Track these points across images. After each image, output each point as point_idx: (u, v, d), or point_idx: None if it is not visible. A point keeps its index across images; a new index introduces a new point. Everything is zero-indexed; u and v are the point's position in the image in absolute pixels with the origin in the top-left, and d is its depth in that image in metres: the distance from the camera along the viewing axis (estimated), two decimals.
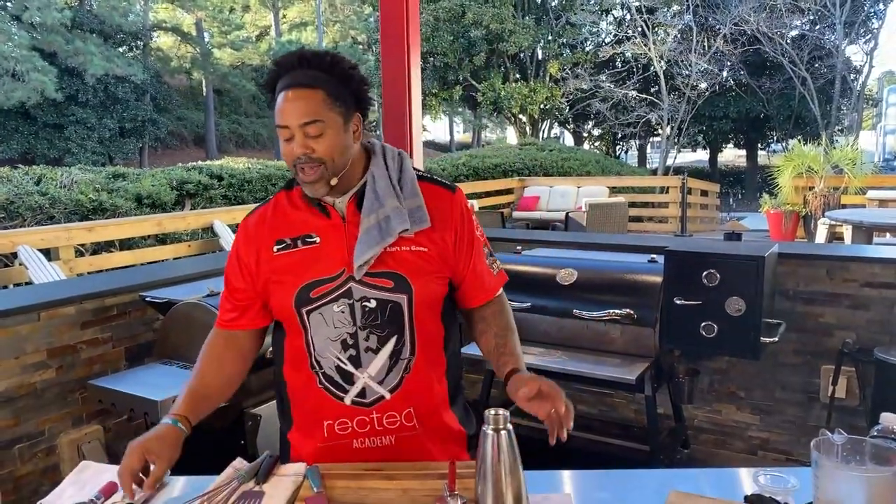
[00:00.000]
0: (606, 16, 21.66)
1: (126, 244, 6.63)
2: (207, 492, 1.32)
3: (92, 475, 1.44)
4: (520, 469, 1.20)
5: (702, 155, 28.56)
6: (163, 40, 28.17)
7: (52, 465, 2.44)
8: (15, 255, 5.26)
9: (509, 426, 1.20)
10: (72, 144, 21.52)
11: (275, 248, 1.43)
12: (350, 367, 1.40)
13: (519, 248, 3.36)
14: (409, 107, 3.62)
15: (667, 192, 12.40)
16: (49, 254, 5.40)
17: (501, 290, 1.58)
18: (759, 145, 24.40)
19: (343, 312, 1.38)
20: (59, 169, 7.58)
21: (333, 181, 1.37)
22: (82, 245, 6.13)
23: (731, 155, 29.66)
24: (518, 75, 20.96)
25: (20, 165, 8.07)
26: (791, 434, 3.11)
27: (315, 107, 1.32)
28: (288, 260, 1.41)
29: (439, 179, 1.53)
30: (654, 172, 18.83)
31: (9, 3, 20.62)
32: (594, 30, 21.53)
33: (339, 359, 1.39)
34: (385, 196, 1.40)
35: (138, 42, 25.47)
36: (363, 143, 1.46)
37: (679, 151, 21.40)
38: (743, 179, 24.47)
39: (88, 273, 5.58)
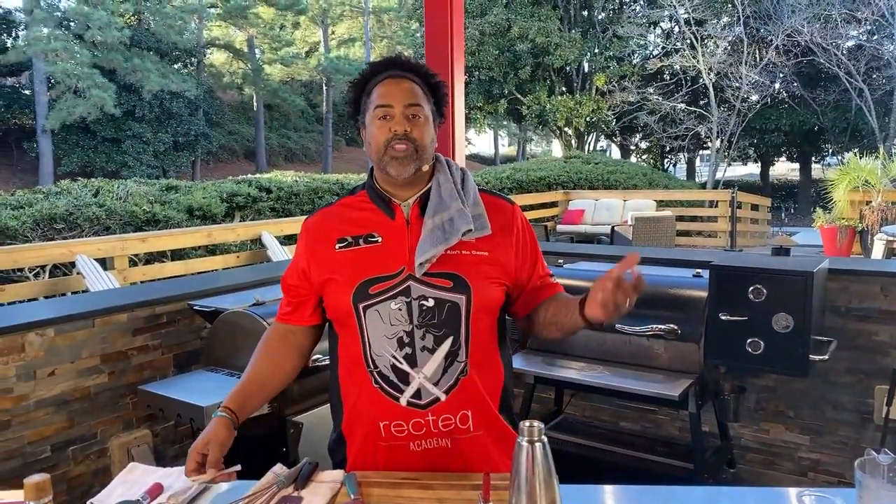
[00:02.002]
0: (654, 28, 21.46)
1: (177, 254, 6.82)
2: (247, 496, 1.35)
3: (140, 476, 1.48)
4: (555, 482, 1.19)
5: (753, 168, 27.98)
6: (216, 57, 29.03)
7: (104, 468, 2.52)
8: (73, 264, 5.47)
9: (544, 438, 1.19)
10: (128, 158, 22.30)
11: (336, 246, 1.46)
12: (406, 367, 1.40)
13: (560, 261, 3.34)
14: (451, 121, 3.65)
15: (716, 206, 12.17)
16: (105, 263, 5.60)
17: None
18: (814, 158, 23.77)
19: (400, 310, 1.40)
20: (116, 181, 7.87)
21: (425, 167, 1.44)
22: (136, 255, 6.33)
23: (784, 168, 28.98)
24: (564, 88, 20.90)
25: (79, 178, 8.40)
26: (843, 455, 3.01)
27: (419, 93, 1.44)
28: (349, 257, 1.45)
29: (498, 193, 1.59)
30: (703, 186, 18.51)
31: (72, 23, 21.52)
32: (642, 42, 21.33)
33: (395, 357, 1.40)
34: (450, 199, 1.44)
35: (192, 59, 26.29)
36: None
37: (729, 165, 21.02)
38: (796, 193, 23.87)
39: (141, 282, 5.77)
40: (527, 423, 1.19)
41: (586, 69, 21.21)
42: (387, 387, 1.42)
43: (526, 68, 19.34)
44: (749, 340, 2.58)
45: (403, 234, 1.44)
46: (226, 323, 2.49)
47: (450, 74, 3.60)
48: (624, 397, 3.13)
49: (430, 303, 1.40)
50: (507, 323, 1.58)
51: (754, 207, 13.43)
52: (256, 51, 28.96)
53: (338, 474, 1.42)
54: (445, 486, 1.38)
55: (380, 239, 1.45)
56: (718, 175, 18.47)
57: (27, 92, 22.94)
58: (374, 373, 1.43)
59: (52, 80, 21.30)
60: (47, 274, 5.96)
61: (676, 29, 19.68)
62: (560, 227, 11.90)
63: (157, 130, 23.03)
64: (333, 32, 32.20)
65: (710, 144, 18.75)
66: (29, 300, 4.92)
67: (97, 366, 2.50)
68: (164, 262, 6.58)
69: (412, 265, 1.40)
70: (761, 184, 24.83)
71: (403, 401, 1.41)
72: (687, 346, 2.71)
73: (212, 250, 7.06)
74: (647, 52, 21.70)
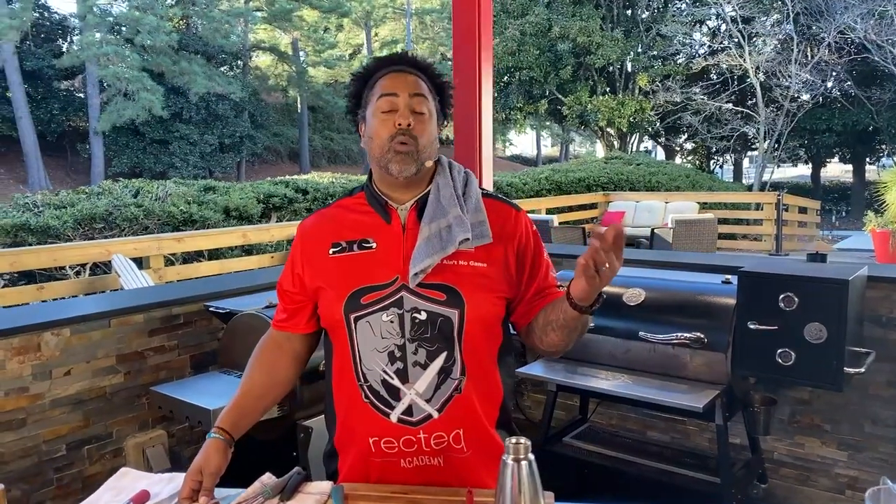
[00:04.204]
0: (700, 26, 21.00)
1: (214, 254, 6.91)
2: None
3: (129, 482, 1.47)
4: (542, 501, 1.13)
5: (804, 170, 27.16)
6: (261, 59, 29.52)
7: (119, 467, 2.51)
8: (110, 263, 5.58)
9: (531, 456, 1.13)
10: (175, 159, 22.83)
11: (330, 251, 1.41)
12: (397, 382, 1.35)
13: None
14: (479, 121, 3.60)
15: (761, 208, 11.82)
16: (141, 262, 5.70)
17: None
18: (868, 159, 22.93)
19: (392, 322, 1.34)
20: (156, 182, 8.02)
21: (428, 163, 1.38)
22: (173, 254, 6.43)
23: (838, 170, 28.07)
24: (606, 88, 20.61)
25: (120, 179, 8.60)
26: (884, 472, 2.82)
27: (425, 86, 1.40)
28: (342, 264, 1.40)
29: (503, 198, 1.51)
30: (749, 188, 18.03)
31: (123, 28, 22.13)
32: (686, 41, 20.88)
33: (385, 372, 1.35)
34: (448, 205, 1.38)
35: (238, 62, 26.79)
36: None
37: (778, 166, 20.42)
38: (848, 196, 23.08)
39: (178, 281, 5.85)
40: (513, 440, 1.13)
41: (629, 69, 20.87)
42: (377, 402, 1.37)
43: (567, 68, 19.11)
44: (779, 351, 2.46)
45: (399, 240, 1.38)
46: (239, 325, 2.49)
47: (477, 74, 3.55)
48: (648, 407, 3.02)
49: (423, 316, 1.34)
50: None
51: (802, 210, 13.00)
52: (301, 53, 29.34)
53: (326, 486, 1.38)
54: (436, 501, 1.33)
55: (374, 245, 1.39)
56: (766, 177, 17.96)
57: (81, 95, 23.67)
58: (365, 387, 1.38)
59: (104, 84, 21.92)
60: (87, 272, 6.10)
61: (723, 27, 19.22)
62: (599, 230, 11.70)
63: (203, 132, 23.51)
64: (376, 34, 32.41)
65: (757, 145, 18.24)
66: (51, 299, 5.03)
67: (113, 366, 2.51)
68: (201, 261, 6.68)
69: (406, 274, 1.34)
70: (812, 186, 24.07)
71: (394, 417, 1.36)
72: (714, 356, 2.60)
73: (248, 250, 7.13)
74: (692, 50, 21.23)
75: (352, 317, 1.36)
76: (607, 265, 1.18)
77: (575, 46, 18.64)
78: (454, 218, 1.36)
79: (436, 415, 1.35)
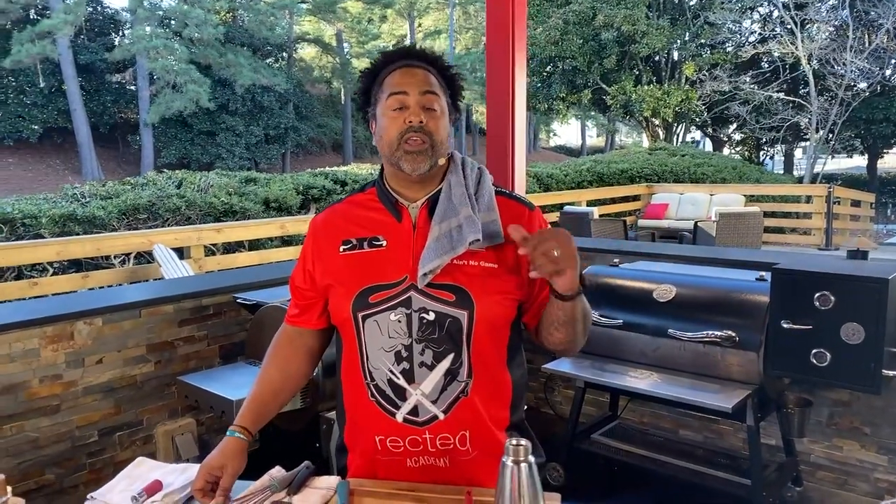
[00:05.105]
0: (751, 13, 20.38)
1: (254, 245, 7.02)
2: (239, 497, 1.34)
3: (145, 471, 1.49)
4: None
5: (859, 161, 26.23)
6: (306, 51, 29.82)
7: (150, 454, 2.59)
8: (153, 252, 5.72)
9: (531, 458, 1.11)
10: (222, 150, 23.28)
11: (341, 248, 1.41)
12: (402, 382, 1.34)
13: (616, 260, 3.19)
14: (511, 112, 3.57)
15: (811, 201, 11.46)
16: (182, 252, 5.82)
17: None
18: None
19: (399, 322, 1.33)
20: (198, 173, 8.18)
21: (441, 160, 1.36)
22: (213, 244, 6.56)
23: None
24: (652, 77, 20.20)
25: (165, 170, 8.80)
26: None
27: (435, 81, 1.38)
28: (351, 261, 1.39)
29: (518, 196, 1.48)
30: (800, 180, 17.49)
31: (172, 21, 22.62)
32: (736, 29, 20.30)
33: (391, 371, 1.34)
34: (459, 204, 1.36)
35: (283, 54, 27.12)
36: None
37: (832, 157, 19.75)
38: None
39: (219, 271, 5.97)
40: (512, 442, 1.11)
41: (675, 57, 20.41)
42: (382, 401, 1.36)
43: (611, 57, 18.77)
44: (814, 351, 2.38)
45: (409, 238, 1.36)
46: (265, 316, 2.52)
47: (510, 67, 3.52)
48: (679, 406, 2.96)
49: (431, 316, 1.32)
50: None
51: (856, 203, 12.55)
52: (345, 45, 29.55)
53: (332, 481, 1.38)
54: (441, 500, 1.32)
55: (384, 242, 1.38)
56: (818, 168, 17.38)
57: (132, 88, 24.32)
58: (371, 385, 1.37)
59: (153, 77, 22.46)
60: (132, 261, 6.26)
61: (775, 13, 18.63)
62: (641, 222, 11.50)
63: (249, 124, 23.91)
64: (420, 25, 32.43)
65: (809, 136, 17.67)
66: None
67: (143, 355, 2.57)
68: (241, 251, 6.79)
69: (415, 274, 1.32)
70: (868, 178, 23.22)
71: (400, 417, 1.35)
72: (745, 355, 2.53)
73: (287, 241, 7.22)
74: (742, 38, 20.63)
75: (360, 315, 1.35)
76: (554, 252, 1.18)
77: (619, 35, 18.29)
78: (465, 218, 1.34)
79: (441, 416, 1.34)
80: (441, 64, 1.42)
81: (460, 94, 1.44)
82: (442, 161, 1.37)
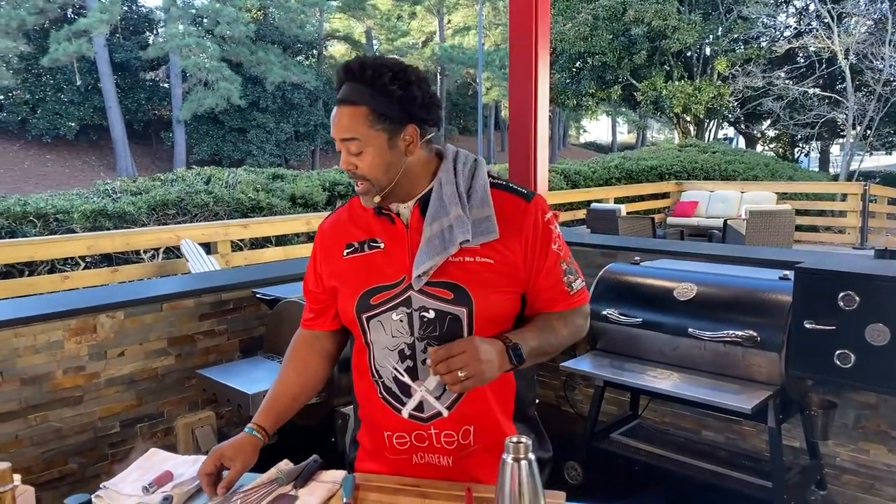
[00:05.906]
0: (786, 7, 19.97)
1: (281, 241, 7.09)
2: (246, 489, 1.35)
3: (157, 462, 1.52)
4: (541, 502, 1.10)
5: None
6: (335, 48, 30.01)
7: (170, 445, 2.64)
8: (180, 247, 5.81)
9: (531, 456, 1.11)
10: (252, 147, 23.55)
11: (345, 252, 1.43)
12: (407, 379, 1.36)
13: (637, 258, 3.16)
14: (534, 107, 3.56)
15: (845, 199, 11.20)
16: (209, 247, 5.91)
17: (578, 308, 1.46)
18: None
19: (401, 321, 1.35)
20: (226, 170, 8.28)
21: (377, 199, 1.35)
22: (241, 240, 6.64)
23: None
24: (683, 73, 19.91)
25: (195, 167, 8.93)
26: None
27: (354, 124, 1.30)
28: (354, 264, 1.41)
29: (516, 187, 1.45)
30: (835, 178, 17.11)
31: (204, 19, 22.93)
32: (770, 23, 19.89)
33: (396, 369, 1.37)
34: (450, 204, 1.35)
35: (313, 51, 27.32)
36: (437, 148, 1.43)
37: (870, 154, 19.29)
38: None
39: (245, 265, 6.04)
40: (513, 440, 1.11)
41: (707, 53, 20.08)
42: (389, 398, 1.39)
43: (641, 53, 18.54)
44: (838, 352, 2.33)
45: (404, 239, 1.37)
46: (282, 311, 2.54)
47: (533, 61, 3.51)
48: (699, 406, 2.92)
49: (431, 315, 1.33)
50: None
51: (893, 201, 12.23)
52: (374, 42, 29.66)
53: (339, 475, 1.39)
54: (444, 496, 1.32)
55: (382, 245, 1.39)
56: (855, 166, 16.98)
57: (165, 85, 24.73)
58: (379, 383, 1.40)
59: (186, 74, 22.80)
60: (161, 256, 6.37)
61: (811, 7, 18.23)
62: (670, 220, 11.37)
63: (279, 121, 24.15)
64: (449, 21, 32.39)
65: (845, 132, 17.27)
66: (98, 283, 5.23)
67: (164, 348, 2.61)
68: (267, 247, 6.87)
69: (412, 275, 1.33)
70: None
71: (405, 413, 1.37)
72: (767, 356, 2.48)
73: (313, 237, 7.28)
74: (776, 33, 20.21)
75: (364, 316, 1.38)
76: (458, 374, 1.22)
77: (650, 30, 18.06)
78: (455, 218, 1.33)
79: (445, 413, 1.35)
80: (370, 79, 1.29)
81: (411, 104, 1.31)
82: (377, 199, 1.35)
